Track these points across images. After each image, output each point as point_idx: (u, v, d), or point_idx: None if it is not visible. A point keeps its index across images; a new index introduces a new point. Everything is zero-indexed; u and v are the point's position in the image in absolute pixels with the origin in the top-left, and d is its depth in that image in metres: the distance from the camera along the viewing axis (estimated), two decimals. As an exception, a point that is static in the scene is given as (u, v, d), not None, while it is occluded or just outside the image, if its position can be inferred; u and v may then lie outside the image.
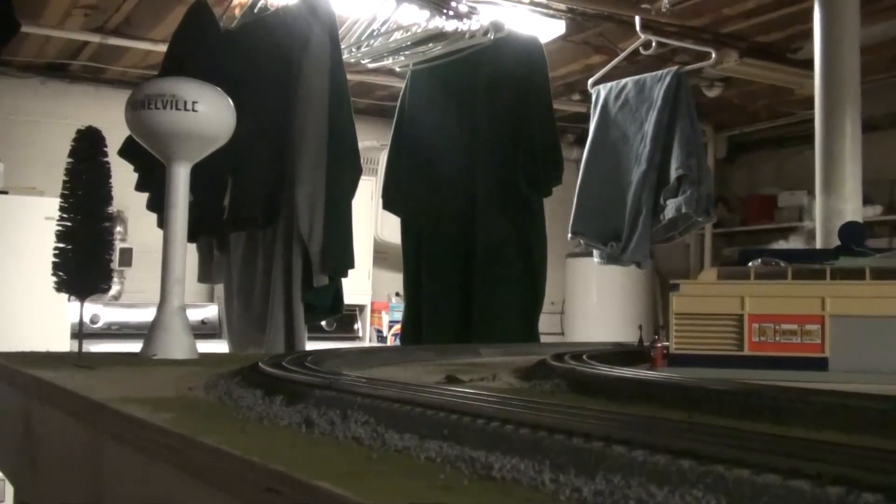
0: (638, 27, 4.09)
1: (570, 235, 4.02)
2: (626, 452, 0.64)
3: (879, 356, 1.55)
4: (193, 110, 1.90)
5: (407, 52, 3.44)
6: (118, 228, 5.43)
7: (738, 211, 6.97)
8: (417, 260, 3.35)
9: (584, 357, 1.58)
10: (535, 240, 3.22)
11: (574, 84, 5.51)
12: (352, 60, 3.54)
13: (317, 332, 4.58)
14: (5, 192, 4.97)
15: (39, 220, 4.34)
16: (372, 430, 0.83)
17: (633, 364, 1.66)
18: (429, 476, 0.67)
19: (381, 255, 6.15)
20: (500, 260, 3.18)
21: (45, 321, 4.58)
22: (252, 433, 0.88)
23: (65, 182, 1.92)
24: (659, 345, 1.70)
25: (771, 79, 4.97)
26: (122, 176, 2.34)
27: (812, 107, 3.29)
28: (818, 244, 3.16)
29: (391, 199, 3.43)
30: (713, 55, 4.33)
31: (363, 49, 3.50)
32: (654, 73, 3.92)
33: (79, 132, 1.94)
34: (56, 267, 1.88)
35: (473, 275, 3.19)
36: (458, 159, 3.27)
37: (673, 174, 3.66)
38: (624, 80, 4.02)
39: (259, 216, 2.86)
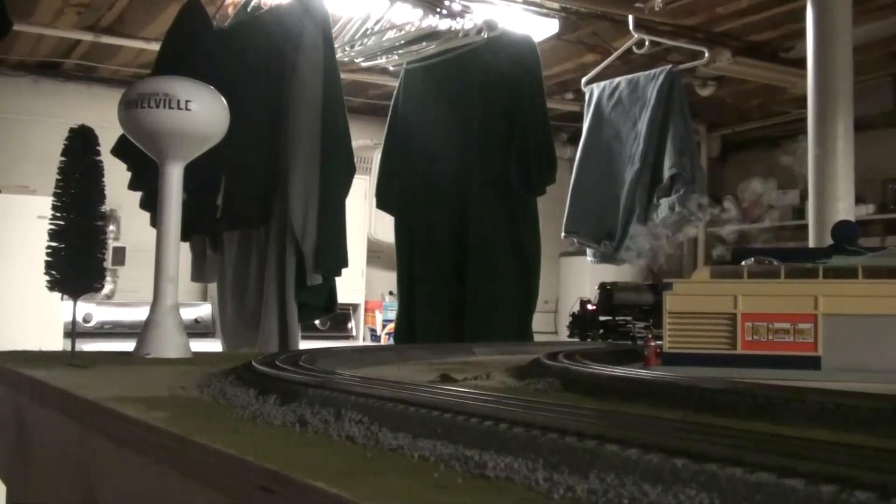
0: (631, 26, 4.10)
1: (563, 234, 4.02)
2: (619, 451, 0.64)
3: (872, 355, 1.55)
4: (187, 109, 1.90)
5: (400, 51, 3.44)
6: (111, 227, 5.42)
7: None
8: (411, 259, 3.35)
9: (578, 356, 1.58)
10: (528, 238, 3.22)
11: (567, 83, 5.52)
12: (345, 59, 3.54)
13: (310, 331, 4.57)
14: (-2, 191, 4.96)
15: (32, 218, 4.33)
16: (366, 429, 0.83)
17: (626, 363, 1.67)
18: (423, 475, 0.67)
19: (375, 254, 6.15)
20: (494, 259, 3.19)
21: (37, 320, 4.57)
22: (246, 432, 0.88)
23: (58, 181, 1.92)
24: (652, 343, 1.70)
25: (764, 78, 4.98)
26: (115, 175, 2.33)
27: (805, 106, 3.30)
28: (811, 243, 3.16)
29: (385, 198, 3.43)
30: (706, 54, 4.34)
31: (357, 48, 3.50)
32: (647, 72, 3.92)
33: (71, 131, 1.94)
34: (49, 266, 1.88)
35: (467, 274, 3.19)
36: (452, 158, 3.27)
37: (666, 173, 3.67)
38: (617, 79, 4.02)
39: (252, 215, 2.85)
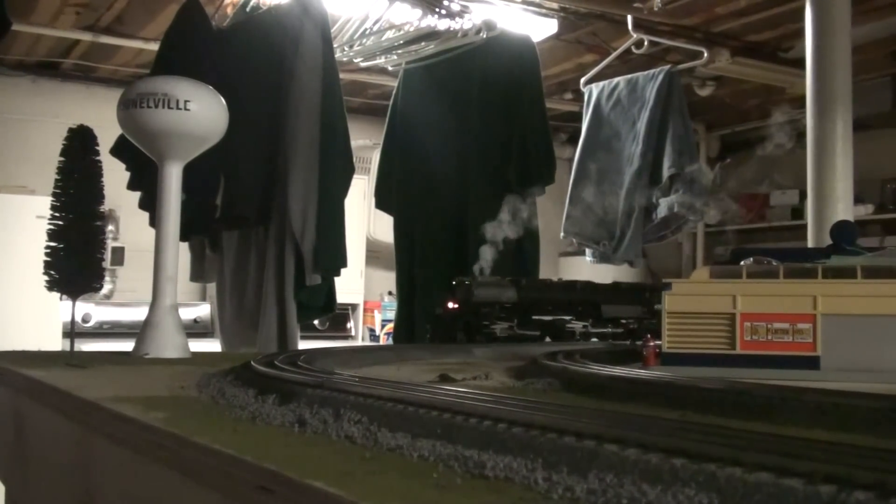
0: (630, 26, 4.10)
1: (563, 234, 4.02)
2: (618, 451, 0.64)
3: (871, 355, 1.55)
4: (186, 109, 1.90)
5: (399, 51, 3.44)
6: (110, 227, 5.41)
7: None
8: (410, 259, 3.35)
9: (577, 356, 1.58)
10: (527, 238, 3.22)
11: (566, 83, 5.51)
12: (344, 59, 3.54)
13: (309, 331, 4.57)
14: (-4, 191, 4.96)
15: (31, 218, 4.33)
16: (365, 429, 0.83)
17: (625, 363, 1.67)
18: (422, 475, 0.67)
19: (374, 254, 6.14)
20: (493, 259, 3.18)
21: (36, 320, 4.57)
22: (245, 432, 0.88)
23: (56, 181, 1.92)
24: (651, 343, 1.70)
25: (763, 78, 4.98)
26: (114, 174, 2.33)
27: (804, 106, 3.30)
28: (810, 243, 3.16)
29: (384, 198, 3.43)
30: (705, 54, 4.34)
31: (356, 48, 3.51)
32: (646, 72, 3.93)
33: (70, 131, 1.94)
34: (48, 266, 1.88)
35: (466, 273, 3.19)
36: (451, 158, 3.27)
37: (665, 173, 3.67)
38: (616, 79, 4.02)
39: (251, 215, 2.85)
